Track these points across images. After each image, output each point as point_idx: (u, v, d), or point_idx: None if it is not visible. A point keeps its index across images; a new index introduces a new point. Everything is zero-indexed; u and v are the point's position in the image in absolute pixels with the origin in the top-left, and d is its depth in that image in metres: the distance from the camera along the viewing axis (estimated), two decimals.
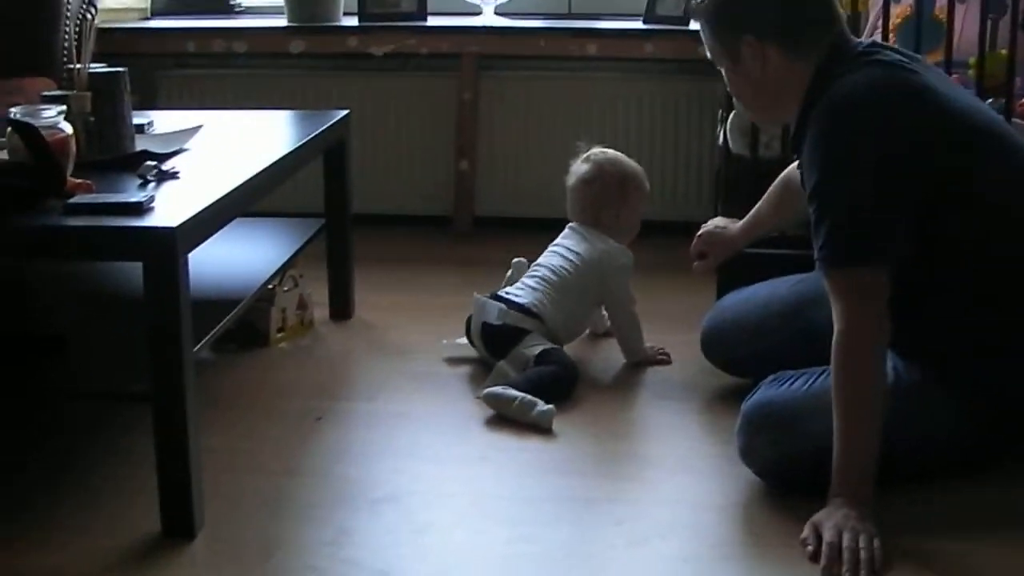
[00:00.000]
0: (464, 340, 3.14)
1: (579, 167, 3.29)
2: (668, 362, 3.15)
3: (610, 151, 3.32)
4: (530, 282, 3.10)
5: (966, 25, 3.42)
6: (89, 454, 2.56)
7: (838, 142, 2.26)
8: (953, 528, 2.24)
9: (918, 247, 2.28)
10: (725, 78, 2.53)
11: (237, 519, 2.28)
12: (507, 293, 3.09)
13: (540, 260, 3.18)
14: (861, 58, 2.34)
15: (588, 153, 3.30)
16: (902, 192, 2.24)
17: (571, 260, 3.12)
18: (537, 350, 2.94)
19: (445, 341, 3.20)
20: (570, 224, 3.26)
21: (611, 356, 3.18)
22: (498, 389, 2.78)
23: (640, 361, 3.13)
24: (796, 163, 2.63)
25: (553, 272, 3.10)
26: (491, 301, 3.05)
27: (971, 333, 2.36)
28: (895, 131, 2.24)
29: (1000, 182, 2.35)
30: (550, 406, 2.73)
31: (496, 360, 2.96)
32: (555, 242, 3.22)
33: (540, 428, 2.70)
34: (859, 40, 2.47)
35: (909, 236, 2.26)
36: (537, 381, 2.83)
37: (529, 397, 2.74)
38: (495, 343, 3.00)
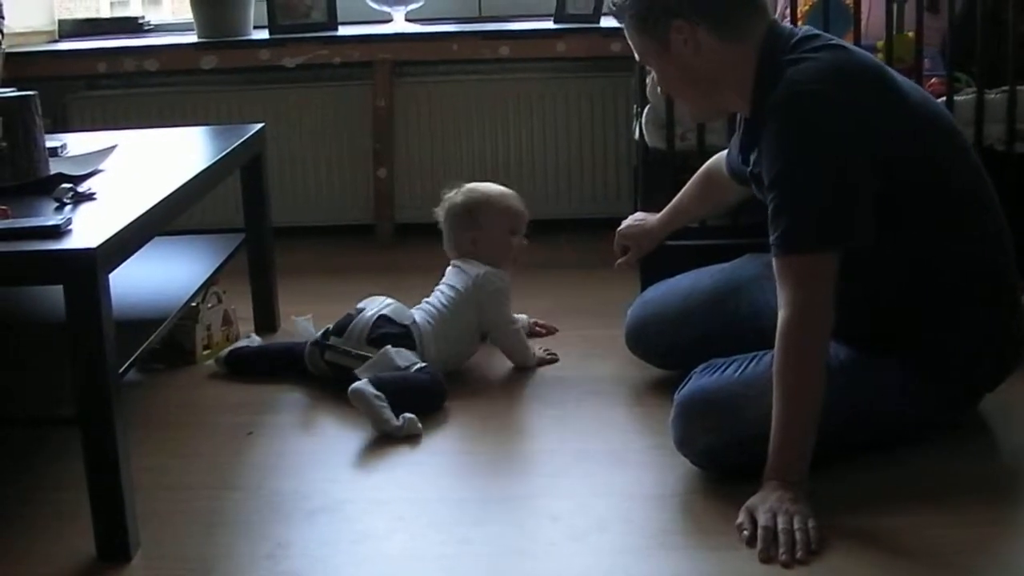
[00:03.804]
0: (311, 330, 3.11)
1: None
2: (556, 360, 3.17)
3: (471, 184, 3.29)
4: (418, 315, 3.07)
5: (873, 8, 3.47)
6: (20, 481, 2.52)
7: (803, 129, 2.23)
8: (887, 504, 2.26)
9: (877, 231, 2.26)
10: (657, 77, 2.50)
11: (173, 538, 2.27)
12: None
13: (428, 298, 3.15)
14: (808, 43, 2.31)
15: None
16: (866, 178, 2.23)
17: (449, 295, 3.11)
18: (418, 364, 2.91)
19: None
20: (451, 261, 3.25)
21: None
22: (369, 391, 2.72)
23: (531, 367, 3.13)
24: (727, 153, 2.63)
25: (435, 308, 3.08)
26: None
27: (920, 313, 2.39)
28: (860, 116, 2.23)
29: (952, 164, 2.38)
30: (412, 416, 2.70)
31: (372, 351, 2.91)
32: (440, 282, 3.20)
33: (409, 438, 2.68)
34: (791, 27, 2.46)
35: (870, 222, 2.25)
36: (405, 386, 2.80)
37: (389, 411, 2.70)
38: (381, 340, 2.94)
